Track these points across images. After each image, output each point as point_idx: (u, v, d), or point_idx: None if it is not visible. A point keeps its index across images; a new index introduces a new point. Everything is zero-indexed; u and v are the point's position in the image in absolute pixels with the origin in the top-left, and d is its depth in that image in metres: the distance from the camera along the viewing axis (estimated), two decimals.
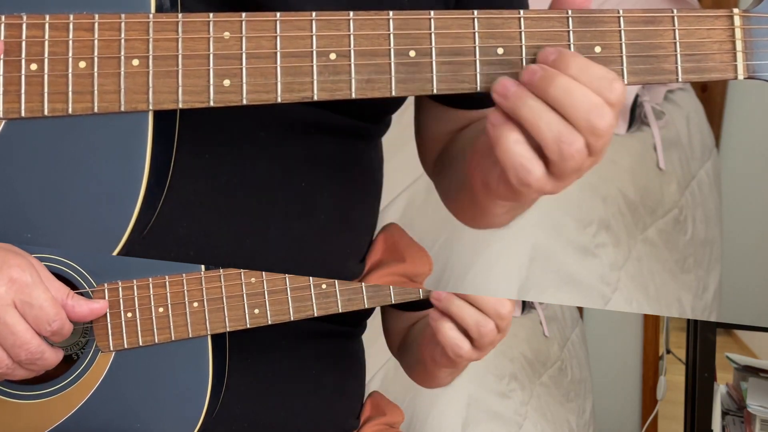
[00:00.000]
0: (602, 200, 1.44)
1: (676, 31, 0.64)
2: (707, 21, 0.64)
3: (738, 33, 0.64)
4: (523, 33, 0.64)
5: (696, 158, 1.51)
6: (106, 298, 0.73)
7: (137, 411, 0.75)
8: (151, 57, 0.64)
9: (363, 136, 0.86)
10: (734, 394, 1.52)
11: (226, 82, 0.64)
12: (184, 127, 0.70)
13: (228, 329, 0.75)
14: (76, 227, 0.68)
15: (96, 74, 0.64)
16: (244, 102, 0.64)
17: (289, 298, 0.77)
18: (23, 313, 0.67)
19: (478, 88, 0.64)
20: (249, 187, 0.77)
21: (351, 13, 0.64)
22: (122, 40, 0.64)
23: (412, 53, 0.64)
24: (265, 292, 0.76)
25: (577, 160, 0.59)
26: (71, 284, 0.72)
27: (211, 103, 0.64)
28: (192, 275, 0.75)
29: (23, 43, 0.65)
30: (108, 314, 0.73)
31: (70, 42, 0.65)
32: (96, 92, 0.65)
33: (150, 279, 0.74)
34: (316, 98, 0.64)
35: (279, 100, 0.64)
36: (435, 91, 0.64)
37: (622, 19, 0.64)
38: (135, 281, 0.74)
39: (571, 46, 0.63)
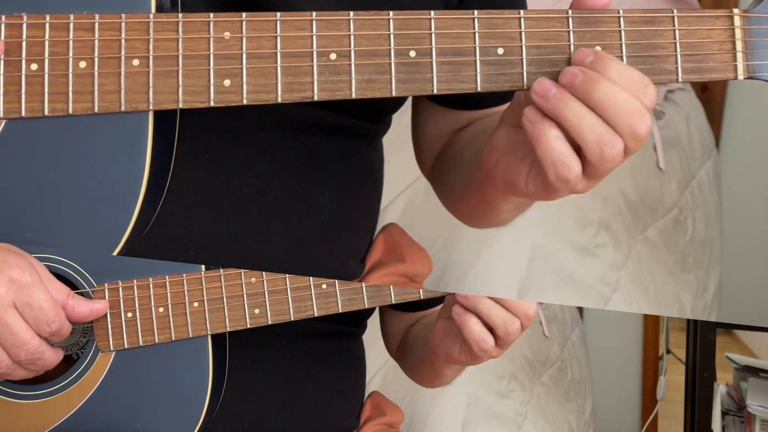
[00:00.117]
0: (602, 200, 1.44)
1: (677, 31, 0.64)
2: (707, 21, 0.64)
3: (738, 33, 0.64)
4: (523, 33, 0.64)
5: (696, 158, 1.51)
6: (107, 298, 0.74)
7: (137, 411, 0.75)
8: (151, 57, 0.64)
9: (363, 136, 0.86)
10: (734, 394, 1.52)
11: (227, 82, 0.64)
12: (185, 127, 0.70)
13: (228, 329, 0.75)
14: (76, 227, 0.68)
15: (96, 74, 0.64)
16: (245, 102, 0.64)
17: (289, 298, 0.77)
18: (23, 313, 0.67)
19: (478, 89, 0.64)
20: (249, 187, 0.77)
21: (351, 13, 0.64)
22: (122, 40, 0.64)
23: (412, 53, 0.64)
24: (266, 292, 0.76)
25: (616, 163, 0.61)
26: (71, 284, 0.72)
27: (212, 103, 0.64)
28: (192, 275, 0.75)
29: (23, 43, 0.65)
30: (108, 314, 0.73)
31: (71, 42, 0.65)
32: (96, 92, 0.65)
33: (150, 279, 0.74)
34: (316, 98, 0.64)
35: (279, 100, 0.64)
36: (435, 92, 0.64)
37: (622, 19, 0.64)
38: (135, 281, 0.74)
39: (572, 46, 0.63)
